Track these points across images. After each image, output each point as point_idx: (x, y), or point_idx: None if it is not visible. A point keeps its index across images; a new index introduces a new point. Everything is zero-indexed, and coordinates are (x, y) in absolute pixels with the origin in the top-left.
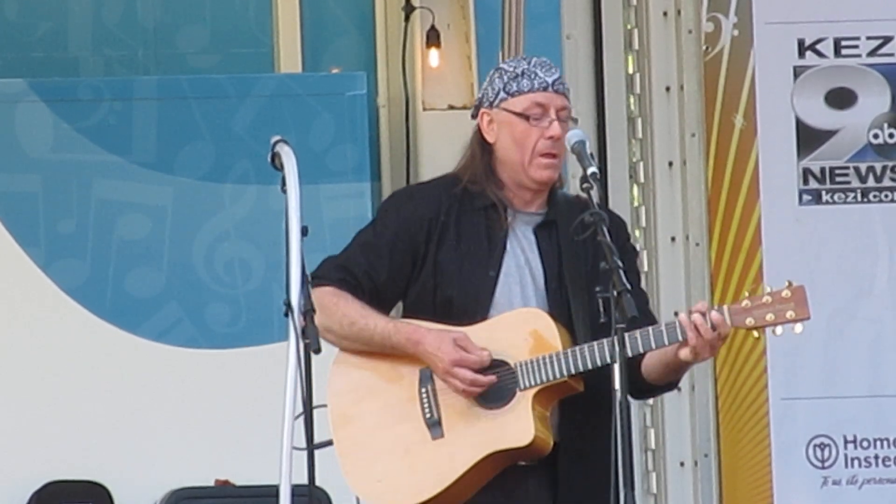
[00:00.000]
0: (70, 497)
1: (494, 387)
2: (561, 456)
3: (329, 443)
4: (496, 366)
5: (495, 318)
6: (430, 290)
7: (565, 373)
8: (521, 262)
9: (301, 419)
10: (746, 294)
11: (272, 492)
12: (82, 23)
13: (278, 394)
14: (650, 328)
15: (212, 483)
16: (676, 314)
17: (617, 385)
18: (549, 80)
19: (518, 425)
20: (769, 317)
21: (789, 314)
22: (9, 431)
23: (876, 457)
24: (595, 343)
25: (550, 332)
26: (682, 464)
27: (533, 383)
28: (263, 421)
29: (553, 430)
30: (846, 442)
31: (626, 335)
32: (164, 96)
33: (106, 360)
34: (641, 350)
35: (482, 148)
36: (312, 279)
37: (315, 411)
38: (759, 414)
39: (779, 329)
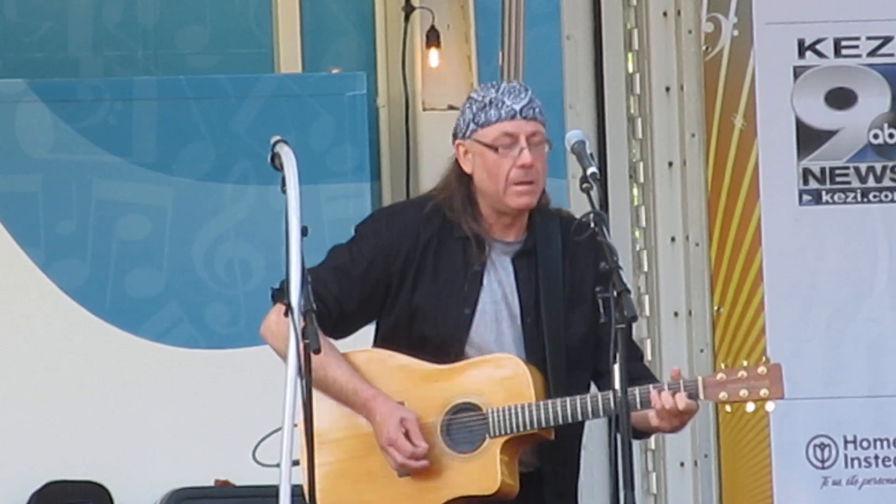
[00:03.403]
0: (70, 497)
1: (465, 430)
2: (547, 485)
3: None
4: (467, 409)
5: (471, 360)
6: (404, 325)
7: (535, 425)
8: (497, 297)
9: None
10: (723, 366)
11: (272, 492)
12: (82, 23)
13: (278, 394)
14: (636, 389)
15: (212, 483)
16: (654, 387)
17: (617, 385)
18: (517, 107)
19: (484, 473)
20: (742, 393)
21: (763, 392)
22: (9, 431)
23: (876, 457)
24: (568, 400)
25: (525, 380)
26: (682, 464)
27: (502, 432)
28: (263, 421)
29: (528, 462)
30: (846, 442)
31: (600, 395)
32: (163, 96)
33: (106, 361)
34: (603, 414)
35: (460, 178)
36: (280, 291)
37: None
38: (758, 414)
39: (750, 405)
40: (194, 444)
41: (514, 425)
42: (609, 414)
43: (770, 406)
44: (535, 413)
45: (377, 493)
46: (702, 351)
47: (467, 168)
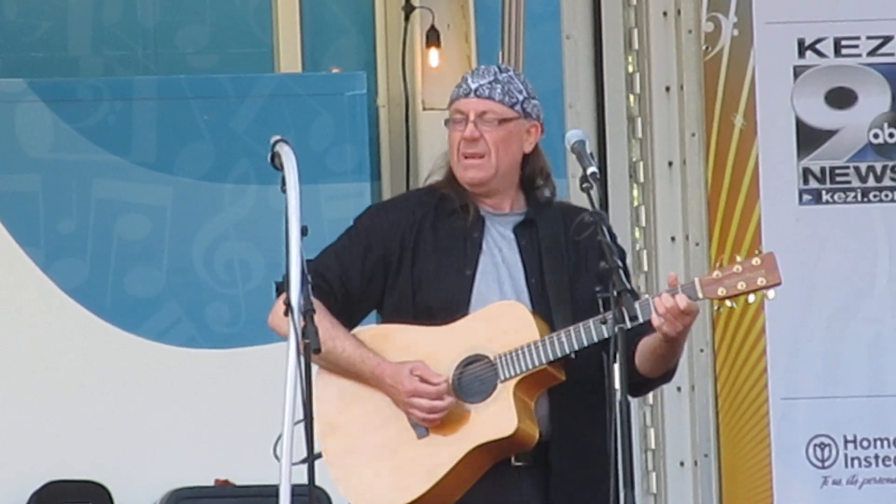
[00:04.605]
0: (70, 497)
1: (476, 380)
2: (553, 454)
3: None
4: (476, 360)
5: (472, 314)
6: (408, 297)
7: (543, 360)
8: (497, 260)
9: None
10: (718, 265)
11: (272, 492)
12: (82, 23)
13: (278, 394)
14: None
15: (212, 483)
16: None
17: (617, 385)
18: (473, 86)
19: (500, 417)
20: (740, 285)
21: (760, 280)
22: (9, 431)
23: (876, 457)
24: (571, 328)
25: (527, 322)
26: (681, 463)
27: (512, 374)
28: (263, 421)
29: (544, 428)
30: (846, 442)
31: (599, 318)
32: (163, 96)
33: (106, 360)
34: (608, 334)
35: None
36: (282, 290)
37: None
38: (759, 414)
39: (751, 297)
40: (194, 443)
41: (524, 364)
42: (601, 336)
43: (771, 294)
44: (541, 349)
45: (399, 459)
46: (702, 351)
47: None
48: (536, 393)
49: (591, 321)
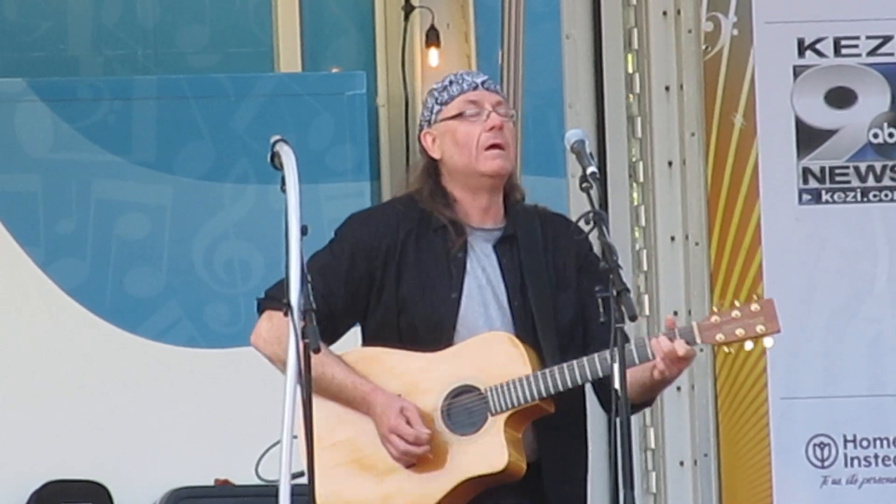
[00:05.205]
0: (70, 497)
1: (465, 412)
2: (546, 475)
3: (298, 475)
4: (465, 391)
5: (462, 343)
6: (393, 316)
7: (536, 396)
8: (482, 282)
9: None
10: (715, 309)
11: (272, 492)
12: (82, 23)
13: (278, 394)
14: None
15: (212, 483)
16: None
17: (617, 385)
18: (478, 80)
19: (491, 451)
20: (739, 332)
21: (759, 328)
22: (9, 431)
23: (876, 456)
24: (565, 365)
25: (518, 354)
26: (681, 463)
27: (504, 408)
28: (263, 421)
29: (531, 452)
30: (846, 441)
31: (596, 355)
32: (163, 96)
33: (106, 360)
34: (602, 374)
35: (427, 169)
36: (266, 300)
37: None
38: (758, 413)
39: (748, 344)
40: (194, 443)
41: (515, 399)
42: (607, 372)
43: (769, 342)
44: (534, 384)
45: (385, 486)
46: (701, 350)
47: (436, 154)
48: (524, 425)
49: (585, 359)
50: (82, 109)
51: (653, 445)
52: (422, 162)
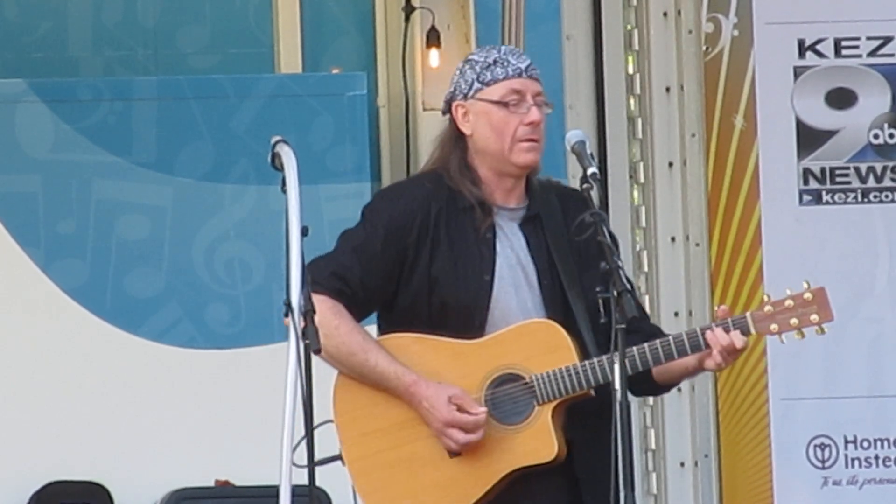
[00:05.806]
0: (70, 497)
1: (509, 401)
2: (577, 456)
3: (331, 459)
4: (511, 380)
5: (505, 330)
6: (424, 295)
7: (584, 386)
8: (512, 262)
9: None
10: (767, 298)
11: (272, 492)
12: (82, 23)
13: (278, 394)
14: (671, 338)
15: (212, 483)
16: (702, 328)
17: (617, 385)
18: (523, 66)
19: (539, 442)
20: (793, 321)
21: (813, 317)
22: (9, 431)
23: (876, 457)
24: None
25: (564, 343)
26: (682, 464)
27: (552, 397)
28: (263, 421)
29: (566, 433)
30: (846, 442)
31: (647, 346)
32: (163, 96)
33: (106, 361)
34: (663, 361)
35: (455, 142)
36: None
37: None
38: (759, 414)
39: (795, 333)
40: (194, 444)
41: (563, 388)
42: (671, 357)
43: (824, 330)
44: (582, 374)
45: (431, 477)
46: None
47: (466, 129)
48: (562, 410)
49: (635, 349)
50: (82, 110)
51: (653, 446)
52: (448, 133)
